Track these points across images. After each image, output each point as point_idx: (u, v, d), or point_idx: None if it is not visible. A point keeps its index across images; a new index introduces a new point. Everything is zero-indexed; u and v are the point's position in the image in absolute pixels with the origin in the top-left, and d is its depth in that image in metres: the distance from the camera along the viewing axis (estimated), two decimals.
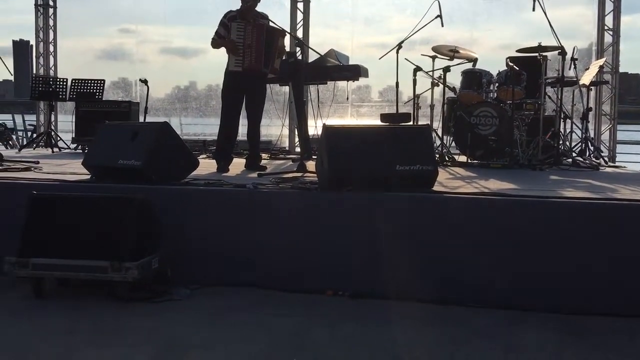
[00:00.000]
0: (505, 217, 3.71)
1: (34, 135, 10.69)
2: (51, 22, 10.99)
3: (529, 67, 6.76)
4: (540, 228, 3.65)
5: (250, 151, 6.00)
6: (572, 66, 6.91)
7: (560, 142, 6.71)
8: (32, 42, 11.34)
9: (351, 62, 7.87)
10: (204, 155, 7.45)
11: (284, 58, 6.26)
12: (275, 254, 3.95)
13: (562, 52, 6.42)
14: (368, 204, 3.88)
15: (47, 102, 9.64)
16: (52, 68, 11.03)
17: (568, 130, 7.08)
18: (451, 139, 7.13)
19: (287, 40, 6.57)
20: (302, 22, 9.64)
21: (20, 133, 11.85)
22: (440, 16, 6.42)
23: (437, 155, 6.19)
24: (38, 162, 5.89)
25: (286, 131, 9.24)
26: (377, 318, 3.46)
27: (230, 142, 5.87)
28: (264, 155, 6.86)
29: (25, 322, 3.34)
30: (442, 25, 6.52)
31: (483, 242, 3.70)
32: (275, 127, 8.99)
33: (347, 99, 8.89)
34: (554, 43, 6.40)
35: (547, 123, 6.65)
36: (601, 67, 7.18)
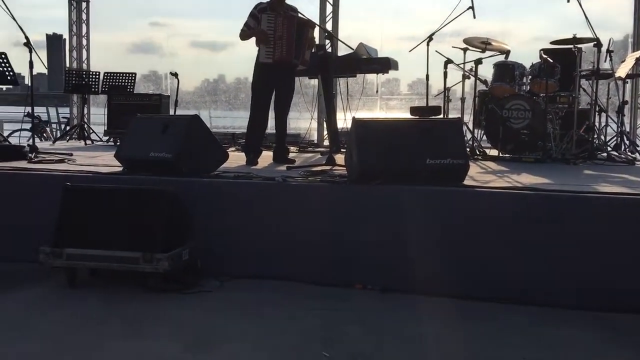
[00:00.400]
0: (538, 212, 3.64)
1: (68, 127, 10.88)
2: (84, 16, 11.17)
3: (563, 59, 6.62)
4: (574, 224, 3.57)
5: (277, 143, 6.01)
6: (608, 58, 6.73)
7: (595, 136, 6.56)
8: (66, 36, 11.54)
9: (380, 55, 7.82)
10: (233, 148, 7.49)
11: (313, 50, 6.24)
12: (304, 246, 3.96)
13: (598, 44, 6.27)
14: (398, 198, 3.85)
15: (80, 95, 9.80)
16: (85, 61, 11.21)
17: (603, 124, 6.92)
18: (482, 132, 7.04)
19: (316, 33, 6.55)
20: (331, 15, 9.60)
21: (54, 125, 12.07)
22: (472, 8, 6.33)
23: (468, 149, 6.12)
24: (71, 154, 5.99)
25: (315, 124, 9.24)
26: (407, 312, 3.44)
27: (259, 135, 5.88)
28: (292, 149, 6.86)
29: (59, 311, 3.40)
30: (474, 17, 6.43)
31: (515, 237, 3.65)
32: (303, 120, 9.00)
33: (377, 91, 8.85)
34: (589, 35, 6.26)
35: (582, 116, 6.51)
36: (637, 59, 6.98)
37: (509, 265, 3.64)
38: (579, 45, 6.49)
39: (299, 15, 5.75)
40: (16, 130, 10.33)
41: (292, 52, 5.60)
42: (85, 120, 9.65)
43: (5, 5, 5.69)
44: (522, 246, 3.63)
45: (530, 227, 3.63)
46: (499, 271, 3.65)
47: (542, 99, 6.38)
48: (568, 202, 3.65)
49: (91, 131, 9.13)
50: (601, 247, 3.53)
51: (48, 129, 11.45)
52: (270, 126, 6.02)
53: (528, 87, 6.85)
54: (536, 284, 3.59)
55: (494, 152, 6.64)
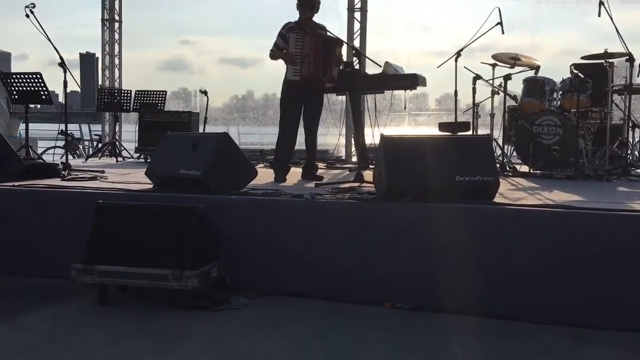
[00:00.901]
0: (571, 231, 3.57)
1: (100, 145, 11.08)
2: (116, 36, 11.41)
3: (594, 74, 6.52)
4: (609, 242, 3.49)
5: (306, 160, 6.03)
6: None
7: (628, 152, 6.43)
8: (98, 54, 11.80)
9: (408, 71, 7.80)
10: (262, 165, 7.53)
11: (341, 67, 6.26)
12: (333, 264, 3.94)
13: (630, 58, 6.16)
14: (427, 216, 3.82)
15: (112, 112, 9.98)
16: (117, 80, 11.44)
17: (636, 140, 6.78)
18: (512, 148, 6.95)
19: (344, 50, 6.58)
20: (359, 32, 9.64)
21: (86, 142, 12.30)
22: (500, 23, 6.29)
23: (498, 165, 6.05)
24: (103, 172, 6.09)
25: (343, 140, 9.25)
26: (437, 332, 3.39)
27: (288, 152, 5.91)
28: (320, 165, 6.88)
29: (90, 327, 3.44)
30: (503, 33, 6.39)
31: (546, 256, 3.58)
32: (331, 136, 9.01)
33: (405, 107, 8.82)
34: (621, 49, 6.16)
35: (614, 132, 6.38)
36: None
37: (541, 284, 3.57)
38: (611, 60, 6.38)
39: (327, 33, 5.79)
40: (50, 148, 10.55)
41: (319, 70, 5.63)
42: (117, 137, 9.83)
43: (41, 27, 5.84)
44: (554, 265, 3.56)
45: (563, 245, 3.56)
46: (530, 290, 3.58)
47: (573, 114, 6.28)
48: (602, 220, 3.57)
49: (122, 148, 9.29)
50: (637, 266, 3.44)
51: (81, 146, 11.67)
52: (299, 142, 6.05)
53: (559, 103, 6.76)
54: (568, 303, 3.51)
55: (524, 169, 6.55)
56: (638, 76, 6.54)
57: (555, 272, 3.55)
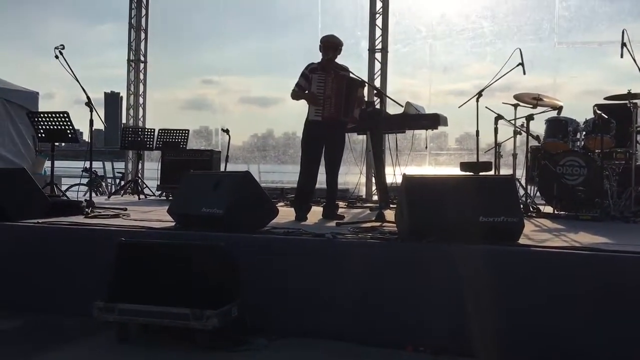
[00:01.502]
0: (599, 274, 3.49)
1: (122, 182, 11.21)
2: (141, 76, 11.65)
3: (617, 114, 6.46)
4: (637, 286, 3.40)
5: (327, 200, 6.02)
6: None
7: None
8: (123, 94, 12.04)
9: (428, 110, 7.82)
10: (282, 203, 7.53)
11: (362, 107, 6.30)
12: (354, 305, 3.89)
13: None
14: (450, 257, 3.76)
15: (135, 151, 10.12)
16: (141, 119, 11.63)
17: None
18: (535, 189, 6.88)
19: (365, 90, 6.62)
20: (379, 72, 9.73)
21: (109, 180, 12.45)
22: (522, 64, 6.30)
23: (522, 206, 5.98)
24: (126, 209, 6.13)
25: (363, 179, 9.23)
26: None
27: (309, 191, 5.91)
28: (341, 204, 6.86)
29: None
30: (524, 73, 6.38)
31: (574, 300, 3.49)
32: (352, 175, 8.99)
33: (425, 147, 8.81)
34: None
35: None
36: None
37: (569, 329, 3.47)
38: (635, 101, 6.34)
39: (350, 74, 5.85)
40: (74, 185, 10.69)
41: (340, 111, 5.67)
42: (139, 175, 9.93)
43: (69, 67, 5.99)
44: (581, 309, 3.47)
45: (590, 289, 3.47)
46: (559, 336, 3.48)
47: (597, 155, 6.22)
48: (630, 263, 3.49)
49: (145, 186, 9.37)
50: None
51: (104, 184, 11.81)
52: (320, 181, 6.05)
53: (582, 143, 6.70)
54: (602, 351, 3.40)
55: (548, 209, 6.47)
56: None
57: (583, 316, 3.45)
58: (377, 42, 9.79)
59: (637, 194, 6.10)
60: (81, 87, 6.11)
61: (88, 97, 6.19)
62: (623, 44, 5.85)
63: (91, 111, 6.08)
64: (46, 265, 4.56)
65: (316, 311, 3.95)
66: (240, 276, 4.02)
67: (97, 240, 4.53)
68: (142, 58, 11.65)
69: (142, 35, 11.69)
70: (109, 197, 9.11)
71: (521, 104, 6.93)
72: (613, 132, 6.39)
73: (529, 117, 6.60)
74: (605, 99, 6.71)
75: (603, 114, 6.21)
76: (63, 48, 5.90)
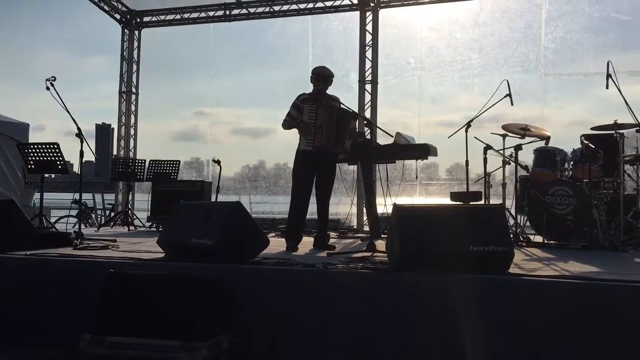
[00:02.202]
0: (589, 303, 3.49)
1: (112, 214, 11.15)
2: (133, 108, 11.71)
3: (605, 144, 6.55)
4: (630, 314, 3.40)
5: (318, 230, 6.01)
6: None
7: None
8: (114, 125, 12.07)
9: (418, 141, 7.89)
10: (273, 234, 7.51)
11: (354, 139, 6.34)
12: (345, 335, 3.86)
13: None
14: (441, 286, 3.75)
15: (126, 182, 10.10)
16: (132, 150, 11.65)
17: None
18: (525, 218, 6.91)
19: (356, 122, 6.68)
20: (369, 103, 9.85)
21: (99, 211, 12.39)
22: (509, 95, 6.39)
23: (512, 235, 6.00)
24: (115, 240, 6.09)
25: (354, 209, 9.25)
26: None
27: (300, 221, 5.91)
28: (332, 234, 6.85)
29: None
30: (512, 104, 6.47)
31: (566, 329, 3.48)
32: (343, 206, 9.01)
33: (416, 177, 8.86)
34: (630, 119, 6.21)
35: (628, 202, 6.35)
36: None
37: (557, 357, 3.45)
38: (621, 131, 6.44)
39: (341, 105, 5.91)
40: (63, 217, 10.63)
41: (332, 141, 5.71)
42: (130, 206, 9.89)
43: (61, 99, 6.01)
44: (572, 337, 3.46)
45: (581, 318, 3.47)
46: None
47: (585, 184, 6.27)
48: (621, 292, 3.50)
49: (135, 217, 9.33)
50: None
51: (93, 215, 11.74)
52: (311, 212, 6.05)
53: (570, 173, 6.77)
54: None
55: (538, 239, 6.49)
56: None
57: (574, 344, 3.44)
58: (367, 74, 9.93)
59: (625, 223, 6.15)
60: (71, 118, 6.12)
61: (78, 128, 6.20)
62: (608, 75, 5.96)
63: (81, 142, 6.08)
64: (34, 297, 4.50)
65: (307, 342, 3.92)
66: (231, 307, 3.98)
67: (85, 272, 4.48)
68: (133, 89, 11.73)
69: (134, 67, 11.79)
70: (98, 228, 9.06)
71: (509, 134, 7.00)
72: (600, 161, 6.46)
73: (518, 147, 6.66)
74: (592, 129, 6.80)
75: (590, 144, 6.30)
76: (54, 80, 5.93)
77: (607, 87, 6.00)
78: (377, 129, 7.55)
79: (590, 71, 9.27)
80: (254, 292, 4.09)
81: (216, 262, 4.28)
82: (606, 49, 9.34)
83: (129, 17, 11.69)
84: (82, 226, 6.75)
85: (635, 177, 6.51)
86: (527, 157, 7.01)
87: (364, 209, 8.73)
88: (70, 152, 7.04)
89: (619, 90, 5.97)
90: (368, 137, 7.34)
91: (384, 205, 7.41)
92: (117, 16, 11.64)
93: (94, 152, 7.13)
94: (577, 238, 6.14)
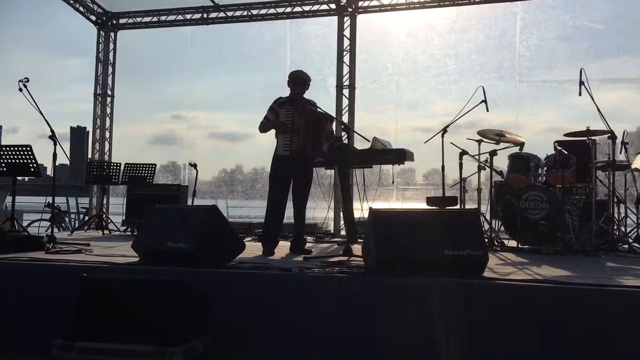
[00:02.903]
0: (561, 306, 3.54)
1: (86, 217, 11.00)
2: (108, 110, 11.59)
3: (577, 150, 6.66)
4: (601, 318, 3.46)
5: (295, 234, 6.01)
6: (623, 150, 6.77)
7: (615, 227, 6.47)
8: (89, 128, 11.92)
9: (395, 146, 7.94)
10: (250, 238, 7.48)
11: (332, 142, 6.35)
12: (321, 339, 3.85)
13: (612, 135, 6.32)
14: (416, 290, 3.78)
15: (101, 185, 9.98)
16: (107, 153, 11.51)
17: (622, 215, 6.84)
18: (500, 223, 6.99)
19: (333, 125, 6.70)
20: (347, 107, 9.87)
21: (72, 215, 12.21)
22: (485, 101, 6.45)
23: (486, 240, 6.05)
24: (89, 245, 6.02)
25: (331, 214, 9.26)
26: None
27: (276, 225, 5.89)
28: (309, 238, 6.84)
29: None
30: (487, 110, 6.53)
31: (538, 332, 3.52)
32: (320, 210, 9.02)
33: (392, 182, 8.91)
34: (602, 126, 6.32)
35: (600, 207, 6.46)
36: None
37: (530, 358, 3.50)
38: (593, 137, 6.55)
39: (317, 108, 5.92)
40: (35, 221, 10.45)
41: (308, 144, 5.71)
42: (104, 210, 9.77)
43: (34, 101, 5.92)
44: (545, 340, 3.50)
45: (553, 320, 3.52)
46: None
47: (558, 190, 6.37)
48: (592, 295, 3.55)
49: (109, 221, 9.22)
50: (628, 342, 3.39)
51: (67, 219, 11.57)
52: (287, 216, 6.04)
53: (544, 179, 6.86)
54: None
55: (512, 243, 6.56)
56: (620, 153, 6.67)
57: (547, 347, 3.49)
58: (344, 79, 9.96)
59: (597, 228, 6.25)
60: (45, 120, 6.03)
61: (52, 130, 6.11)
62: (581, 83, 6.06)
63: (55, 145, 5.99)
64: (5, 302, 4.42)
65: (284, 346, 3.90)
66: (206, 312, 3.95)
67: (57, 277, 4.41)
68: (109, 92, 11.60)
69: (110, 70, 11.67)
70: (71, 232, 8.93)
71: (485, 140, 7.08)
72: (573, 167, 6.57)
73: (493, 153, 6.73)
74: (565, 135, 6.92)
75: (563, 150, 6.39)
76: (27, 81, 5.84)
77: (580, 94, 6.10)
78: (355, 134, 7.57)
79: (564, 78, 9.41)
80: (229, 297, 4.07)
81: (191, 267, 4.26)
82: (579, 57, 9.52)
83: (104, 18, 11.57)
84: (55, 230, 6.65)
85: (607, 183, 6.62)
86: (502, 162, 7.10)
87: (341, 213, 8.74)
88: (44, 155, 6.94)
89: (592, 98, 6.08)
90: (345, 141, 7.35)
91: (360, 210, 7.43)
92: (93, 18, 11.51)
93: (67, 155, 7.03)
94: (550, 243, 6.22)
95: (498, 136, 6.97)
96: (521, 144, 7.12)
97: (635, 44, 8.94)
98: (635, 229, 6.80)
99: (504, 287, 3.77)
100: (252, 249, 5.60)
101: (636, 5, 8.98)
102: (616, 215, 6.64)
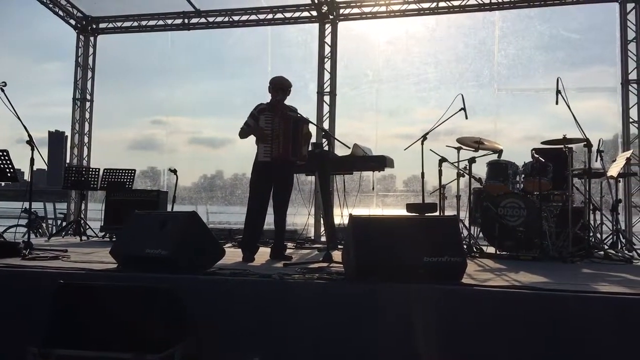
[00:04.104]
0: (539, 312, 3.59)
1: (64, 223, 10.87)
2: (87, 115, 11.49)
3: (554, 158, 6.76)
4: (576, 324, 3.51)
5: (275, 240, 6.00)
6: (599, 158, 6.88)
7: (591, 234, 6.57)
8: (68, 133, 11.81)
9: (375, 153, 7.98)
10: (230, 244, 7.45)
11: (310, 149, 6.36)
12: (301, 345, 3.85)
13: (588, 144, 6.42)
14: (396, 296, 3.79)
15: (79, 191, 9.87)
16: (86, 158, 11.41)
17: (598, 222, 6.95)
18: (478, 229, 7.05)
19: (313, 131, 6.72)
20: (328, 114, 9.91)
21: (50, 221, 12.06)
22: (464, 109, 6.52)
23: (465, 246, 6.11)
24: (66, 251, 5.95)
25: (312, 220, 9.27)
26: None
27: (256, 232, 5.88)
28: (289, 245, 6.84)
29: None
30: (466, 118, 6.61)
31: (515, 338, 3.56)
32: (300, 216, 9.03)
33: (373, 188, 8.94)
34: (579, 135, 6.42)
35: (576, 215, 6.55)
36: (628, 158, 7.14)
37: None
38: (570, 145, 6.65)
39: (298, 114, 5.93)
40: (12, 226, 10.30)
41: (289, 150, 5.72)
42: (82, 216, 9.66)
43: (11, 105, 5.86)
44: (524, 347, 3.54)
45: (532, 327, 3.56)
46: None
47: (536, 197, 6.45)
48: (568, 301, 3.60)
49: (87, 227, 9.12)
50: (607, 347, 3.44)
51: (44, 225, 11.42)
52: (268, 222, 6.04)
53: (521, 186, 6.95)
54: None
55: (490, 250, 6.63)
56: (596, 161, 6.78)
57: (525, 353, 3.53)
58: (325, 85, 10.01)
59: (574, 234, 6.34)
60: (22, 124, 5.96)
61: (29, 135, 6.04)
62: (558, 92, 6.16)
63: (32, 149, 5.92)
64: None
65: (263, 352, 3.89)
66: (186, 318, 3.93)
67: (34, 283, 4.35)
68: (88, 97, 11.52)
69: (89, 74, 11.58)
70: (48, 238, 8.81)
71: (464, 147, 7.15)
72: (550, 175, 6.66)
73: (472, 160, 6.80)
74: (542, 143, 7.01)
75: (540, 158, 6.48)
76: (5, 85, 5.77)
77: (556, 103, 6.19)
78: (335, 140, 7.59)
79: (542, 87, 9.57)
80: (209, 303, 4.05)
81: (171, 273, 4.23)
82: (556, 66, 9.68)
83: (84, 23, 11.48)
84: (32, 236, 6.56)
85: (584, 191, 6.72)
86: (480, 169, 7.17)
87: (321, 219, 8.75)
88: (21, 160, 6.85)
89: (568, 106, 6.17)
90: (326, 148, 7.38)
91: (341, 216, 7.45)
92: (72, 22, 11.42)
93: (45, 160, 6.95)
94: (527, 249, 6.30)
95: (477, 144, 7.05)
96: (499, 152, 7.21)
97: (610, 54, 9.12)
98: (611, 236, 6.92)
99: (482, 293, 3.80)
100: (232, 255, 5.58)
101: (610, 17, 9.16)
102: (592, 222, 6.75)
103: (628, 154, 7.49)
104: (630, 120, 8.73)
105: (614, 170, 6.79)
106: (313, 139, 6.58)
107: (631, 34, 8.85)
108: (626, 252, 6.77)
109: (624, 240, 7.00)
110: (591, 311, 3.53)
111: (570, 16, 9.61)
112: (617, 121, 8.93)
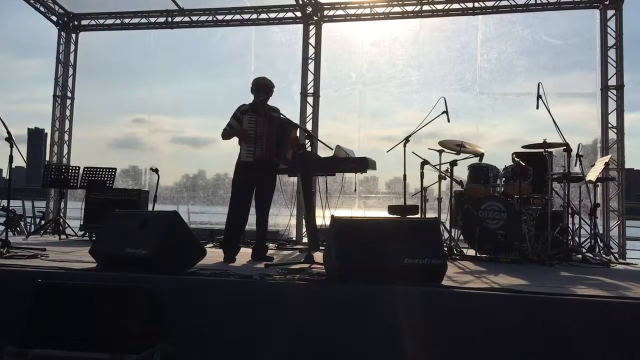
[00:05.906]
0: (517, 314, 3.62)
1: (43, 222, 10.74)
2: (68, 112, 11.36)
3: (535, 162, 6.84)
4: (553, 326, 3.55)
5: (257, 241, 5.98)
6: (578, 162, 6.98)
7: (569, 237, 6.66)
8: (48, 130, 11.66)
9: (358, 154, 8.00)
10: (211, 245, 7.43)
11: (299, 151, 6.36)
12: (282, 346, 3.84)
13: (567, 148, 6.50)
14: (376, 298, 3.81)
15: (58, 189, 9.76)
16: (66, 156, 11.29)
17: (576, 226, 7.04)
18: (459, 232, 7.11)
19: (297, 132, 6.71)
20: (311, 115, 9.92)
21: (28, 219, 11.90)
22: (446, 112, 6.57)
23: (446, 249, 6.15)
24: (45, 249, 5.87)
25: (294, 221, 9.26)
26: None
27: (238, 232, 5.86)
28: (271, 245, 6.83)
29: None
30: (449, 121, 6.65)
31: (494, 339, 3.59)
32: (282, 217, 9.02)
33: (355, 190, 8.96)
34: (559, 139, 6.50)
35: (555, 218, 6.64)
36: (607, 163, 7.25)
37: None
38: (550, 150, 6.73)
39: (281, 115, 5.92)
40: None
41: (272, 151, 5.72)
42: (62, 214, 9.56)
43: None
44: (501, 347, 3.57)
45: (510, 329, 3.59)
46: None
47: (516, 200, 6.51)
48: (547, 304, 3.64)
49: (67, 226, 9.02)
50: (582, 348, 3.49)
51: (22, 223, 11.26)
52: (249, 223, 6.02)
53: (502, 189, 7.01)
54: None
55: (471, 252, 6.68)
56: (575, 165, 6.87)
57: (503, 354, 3.56)
58: (309, 86, 10.01)
59: (552, 238, 6.41)
60: (1, 121, 5.87)
61: (8, 132, 5.96)
62: (538, 96, 6.23)
63: (11, 147, 5.84)
64: None
65: (243, 353, 3.88)
66: (165, 319, 3.90)
67: (11, 282, 4.29)
68: (69, 94, 11.39)
69: (70, 71, 11.46)
70: (27, 237, 8.71)
71: (446, 150, 7.20)
72: (530, 178, 6.74)
73: (453, 163, 6.85)
74: (523, 147, 7.09)
75: (521, 162, 6.55)
76: None
77: (537, 108, 6.27)
78: (318, 142, 7.60)
79: (523, 91, 9.65)
80: (189, 303, 4.03)
81: (151, 273, 4.19)
82: (537, 71, 9.77)
83: (65, 19, 11.36)
84: (10, 234, 6.46)
85: (562, 195, 6.80)
86: (462, 172, 7.23)
87: (303, 220, 8.75)
88: (0, 158, 6.76)
89: (549, 111, 6.25)
90: (308, 149, 7.39)
91: (322, 217, 7.46)
92: (54, 18, 11.30)
93: (24, 157, 6.86)
94: (507, 252, 6.36)
95: (458, 147, 7.11)
96: (481, 155, 7.28)
97: (591, 59, 9.23)
98: (589, 240, 7.01)
99: (462, 295, 3.83)
100: (213, 255, 5.56)
101: (591, 23, 9.28)
102: (571, 226, 6.83)
103: (607, 158, 7.60)
104: (609, 125, 8.85)
105: (592, 174, 6.88)
106: (299, 141, 6.58)
107: (611, 40, 8.97)
108: (604, 255, 6.87)
109: (601, 244, 7.11)
110: (568, 313, 3.57)
111: (551, 22, 9.71)
112: (596, 126, 9.04)
